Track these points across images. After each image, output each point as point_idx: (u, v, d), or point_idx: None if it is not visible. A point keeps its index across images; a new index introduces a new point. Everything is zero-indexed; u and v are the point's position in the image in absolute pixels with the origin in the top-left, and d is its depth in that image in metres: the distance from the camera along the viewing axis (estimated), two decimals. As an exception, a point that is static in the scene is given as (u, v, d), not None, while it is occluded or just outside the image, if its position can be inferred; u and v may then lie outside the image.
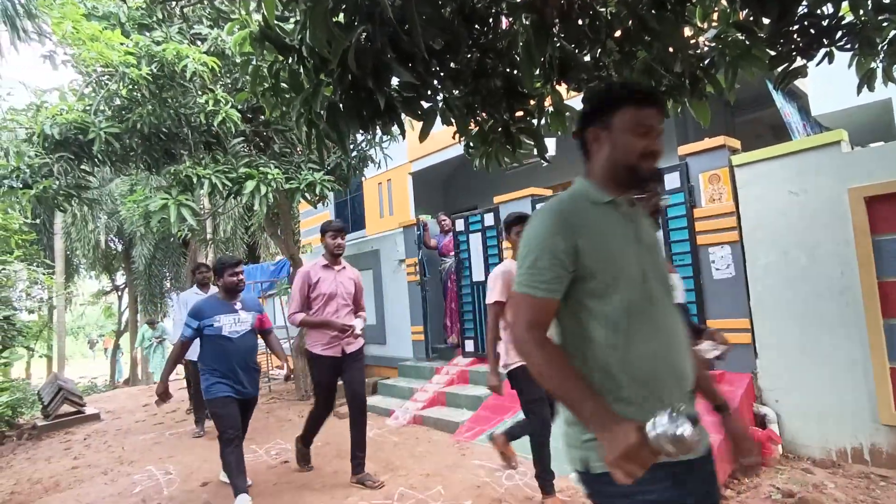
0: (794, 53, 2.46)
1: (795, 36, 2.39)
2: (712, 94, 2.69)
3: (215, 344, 3.53)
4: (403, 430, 5.33)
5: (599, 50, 2.51)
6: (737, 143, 4.44)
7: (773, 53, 2.46)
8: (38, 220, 12.73)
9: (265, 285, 10.68)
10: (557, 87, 2.68)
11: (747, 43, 2.42)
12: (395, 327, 7.61)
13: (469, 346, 6.51)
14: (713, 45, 2.56)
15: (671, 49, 2.46)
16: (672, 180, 4.60)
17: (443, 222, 7.14)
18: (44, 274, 6.23)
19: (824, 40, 2.38)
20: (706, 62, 2.59)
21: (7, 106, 6.23)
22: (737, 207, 4.23)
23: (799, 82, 5.47)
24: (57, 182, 5.38)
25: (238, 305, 3.67)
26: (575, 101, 3.00)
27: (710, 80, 2.61)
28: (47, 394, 7.53)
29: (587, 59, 2.59)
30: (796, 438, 3.95)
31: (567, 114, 2.84)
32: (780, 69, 2.54)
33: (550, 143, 6.85)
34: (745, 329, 4.16)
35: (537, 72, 2.47)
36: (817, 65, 2.51)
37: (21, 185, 5.40)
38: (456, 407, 5.59)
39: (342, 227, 3.95)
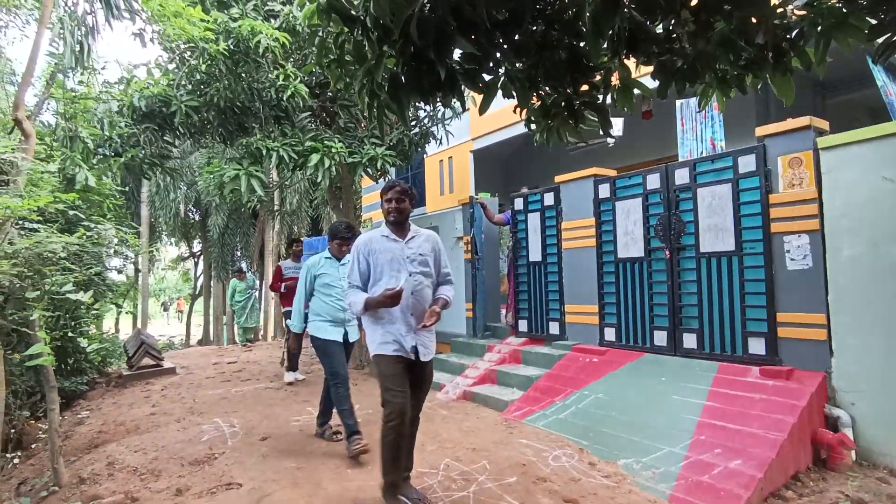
0: (898, 22, 2.21)
1: (902, 1, 2.15)
2: (799, 70, 2.48)
3: None
4: (453, 405, 5.42)
5: (673, 20, 2.37)
6: (825, 124, 4.09)
7: (873, 22, 2.22)
8: (126, 188, 13.78)
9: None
10: (626, 60, 2.57)
11: (844, 10, 2.20)
12: (449, 303, 7.72)
13: (523, 325, 6.50)
14: (803, 13, 2.35)
15: (754, 19, 2.28)
16: (746, 163, 4.32)
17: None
18: (130, 235, 6.77)
19: (936, 6, 2.13)
20: (794, 33, 2.39)
21: (101, 80, 6.74)
22: (819, 194, 3.92)
23: (905, 58, 4.94)
24: (143, 151, 5.80)
25: None
26: (645, 78, 2.88)
27: (797, 53, 2.41)
28: (131, 347, 8.25)
29: (659, 30, 2.45)
30: (873, 445, 3.68)
31: (635, 90, 2.72)
32: (881, 40, 2.30)
33: (618, 123, 6.59)
34: (820, 325, 3.89)
35: (605, 44, 2.37)
36: (926, 35, 2.25)
37: (112, 154, 5.87)
38: (506, 386, 5.62)
39: None
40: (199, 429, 4.67)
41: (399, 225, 2.97)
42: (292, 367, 6.74)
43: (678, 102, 5.69)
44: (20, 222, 3.55)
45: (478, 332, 7.15)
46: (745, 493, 3.03)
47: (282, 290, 6.84)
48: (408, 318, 2.88)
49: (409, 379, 2.92)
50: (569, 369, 5.26)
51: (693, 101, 5.41)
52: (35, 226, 3.65)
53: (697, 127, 5.49)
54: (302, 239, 8.80)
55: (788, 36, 2.39)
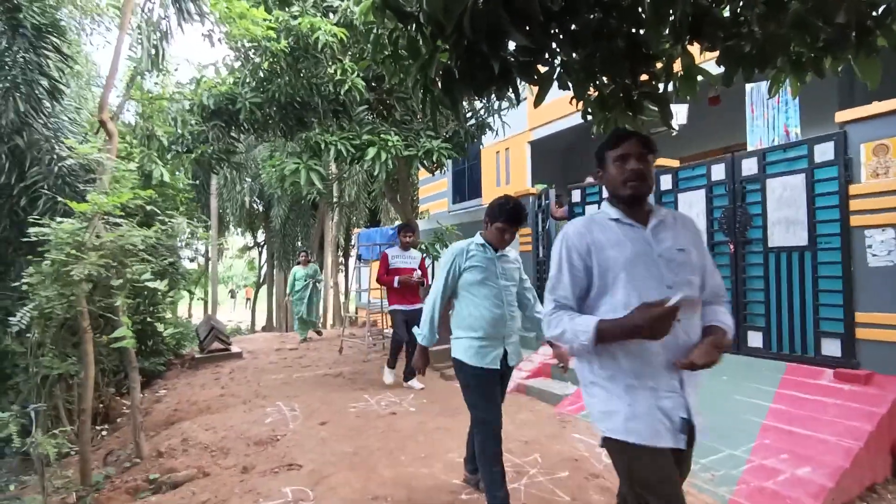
0: None
1: None
2: (887, 50, 2.28)
3: None
4: (507, 397, 5.39)
5: (741, 2, 2.24)
6: (917, 108, 3.74)
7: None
8: (197, 182, 14.62)
9: (382, 248, 11.22)
10: (689, 47, 2.45)
11: (938, -17, 2.01)
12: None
13: (577, 320, 6.38)
14: (891, -13, 2.16)
15: (833, -4, 2.11)
16: (823, 152, 4.03)
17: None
18: (200, 228, 7.21)
19: None
20: (880, 9, 2.19)
21: (174, 81, 7.17)
22: (908, 184, 3.60)
23: None
24: (211, 147, 6.13)
25: None
26: (709, 63, 2.74)
27: (883, 31, 2.21)
28: (202, 331, 8.80)
29: (725, 13, 2.32)
30: (963, 458, 3.37)
31: (699, 78, 2.60)
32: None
33: (682, 110, 6.31)
34: (905, 326, 3.59)
35: (666, 31, 2.27)
36: None
37: (184, 150, 6.24)
38: (561, 380, 5.56)
39: None
40: (264, 411, 4.93)
41: (637, 202, 1.74)
42: (394, 366, 5.85)
43: (748, 87, 5.37)
44: (105, 217, 3.86)
45: (533, 326, 7.07)
46: (813, 502, 2.86)
47: (395, 284, 5.54)
48: (679, 368, 1.61)
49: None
50: (625, 365, 5.12)
51: (765, 85, 5.09)
52: (118, 220, 3.96)
53: (769, 113, 5.16)
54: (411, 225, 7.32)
55: (874, 13, 2.20)
